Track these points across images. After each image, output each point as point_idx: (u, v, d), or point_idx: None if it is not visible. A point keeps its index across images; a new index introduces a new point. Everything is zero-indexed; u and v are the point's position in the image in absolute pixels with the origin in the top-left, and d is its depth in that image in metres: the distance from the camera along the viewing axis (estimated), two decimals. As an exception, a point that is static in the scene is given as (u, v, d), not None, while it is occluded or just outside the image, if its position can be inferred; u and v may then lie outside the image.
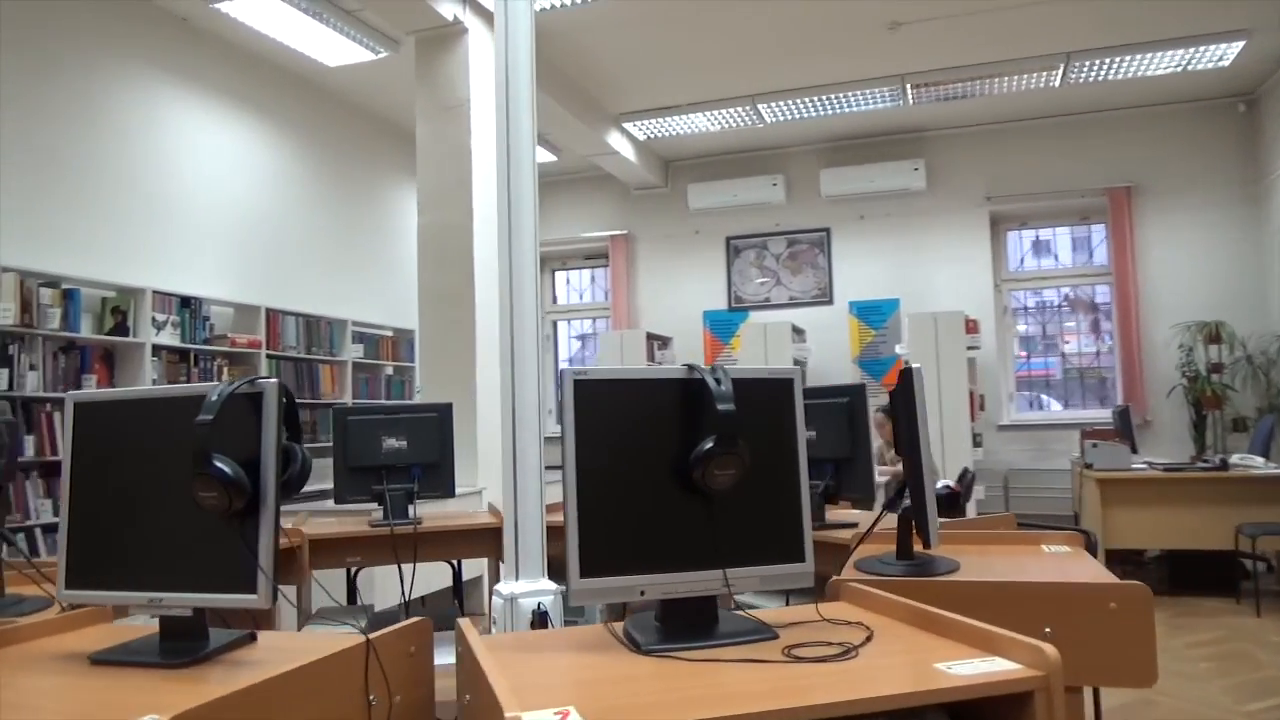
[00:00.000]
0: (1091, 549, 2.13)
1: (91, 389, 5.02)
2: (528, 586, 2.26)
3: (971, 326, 7.80)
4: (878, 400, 7.82)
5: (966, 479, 5.77)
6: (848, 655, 1.23)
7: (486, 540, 3.13)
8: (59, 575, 1.41)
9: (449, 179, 5.83)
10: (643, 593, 1.35)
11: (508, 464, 2.25)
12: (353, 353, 7.11)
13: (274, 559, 1.31)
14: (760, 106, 7.95)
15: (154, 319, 5.42)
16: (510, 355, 2.31)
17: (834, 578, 1.62)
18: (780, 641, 1.32)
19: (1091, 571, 1.81)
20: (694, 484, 1.36)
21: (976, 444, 7.70)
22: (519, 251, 2.34)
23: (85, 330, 5.13)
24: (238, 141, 6.44)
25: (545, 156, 9.04)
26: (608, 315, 9.89)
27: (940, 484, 5.74)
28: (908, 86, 7.56)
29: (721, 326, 9.37)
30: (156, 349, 5.45)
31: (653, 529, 1.36)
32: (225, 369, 5.98)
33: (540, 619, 2.20)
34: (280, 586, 1.34)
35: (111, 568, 1.40)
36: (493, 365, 5.82)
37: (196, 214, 6.04)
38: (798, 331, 8.72)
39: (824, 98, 7.80)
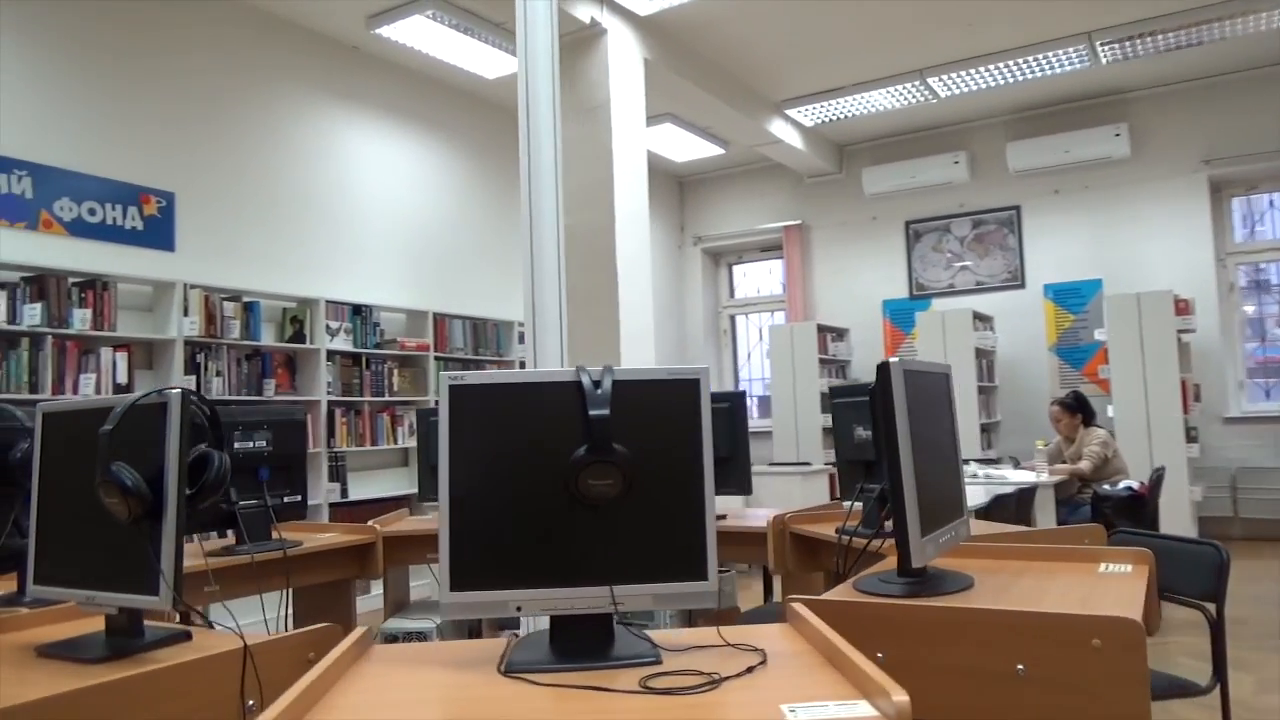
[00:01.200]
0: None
1: (270, 393, 5.52)
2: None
3: (1183, 307, 6.94)
4: (1067, 390, 7.14)
5: (1154, 478, 5.14)
6: (702, 689, 1.11)
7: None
8: (28, 572, 1.53)
9: (591, 180, 5.90)
10: (519, 609, 1.28)
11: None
12: (519, 353, 7.38)
13: (177, 562, 1.36)
14: (931, 80, 7.46)
15: (328, 326, 5.88)
16: (533, 344, 2.29)
17: (789, 596, 1.47)
18: (662, 667, 1.21)
19: (1120, 599, 1.54)
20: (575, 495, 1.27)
21: (1191, 439, 6.84)
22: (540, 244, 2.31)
23: (268, 339, 5.65)
24: (406, 155, 6.85)
25: (712, 150, 8.96)
26: (786, 308, 9.67)
27: (1123, 485, 5.17)
28: (1097, 45, 6.83)
29: (902, 316, 8.90)
30: (330, 354, 5.90)
31: (533, 542, 1.29)
32: (395, 372, 6.38)
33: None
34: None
35: (65, 567, 1.51)
36: (637, 362, 5.84)
37: (368, 226, 6.48)
38: (982, 319, 8.12)
39: (1003, 65, 7.20)
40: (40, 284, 4.50)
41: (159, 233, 5.24)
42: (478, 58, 6.55)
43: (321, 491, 5.69)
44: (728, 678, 1.15)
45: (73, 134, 4.87)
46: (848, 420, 2.55)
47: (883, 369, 1.61)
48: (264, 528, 2.60)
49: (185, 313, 5.04)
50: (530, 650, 1.28)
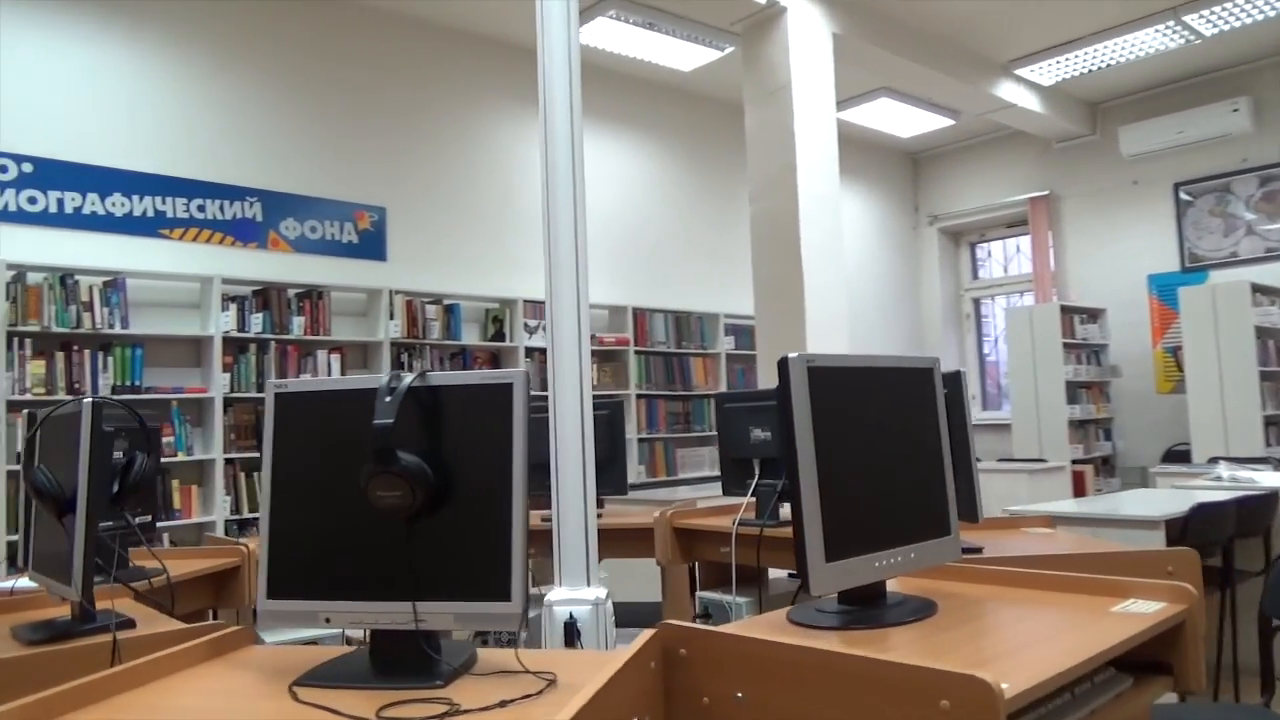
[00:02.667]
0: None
1: (470, 388, 5.89)
2: (568, 594, 2.19)
3: None
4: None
5: None
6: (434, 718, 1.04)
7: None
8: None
9: (776, 165, 5.72)
10: (328, 620, 1.27)
11: (554, 459, 2.20)
12: (725, 344, 7.32)
13: (87, 556, 1.49)
14: (1189, 19, 6.43)
15: (525, 324, 6.18)
16: (552, 337, 2.26)
17: (667, 620, 1.34)
18: (441, 691, 1.15)
19: (1100, 643, 1.23)
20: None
21: None
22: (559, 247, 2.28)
23: (471, 338, 6.04)
24: (604, 154, 7.02)
25: (941, 121, 8.34)
26: (1034, 288, 8.78)
27: None
28: None
29: (1172, 292, 7.77)
30: (529, 351, 6.20)
31: (341, 554, 1.27)
32: (595, 366, 6.58)
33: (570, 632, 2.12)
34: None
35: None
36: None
37: (568, 228, 6.72)
38: (1267, 292, 6.88)
39: (1281, -10, 6.06)
40: (265, 296, 5.13)
41: (372, 244, 5.77)
42: (668, 51, 6.56)
43: (522, 482, 5.99)
44: (469, 710, 1.06)
45: (296, 162, 5.50)
46: (739, 422, 2.68)
47: (782, 364, 1.42)
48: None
49: (390, 316, 5.52)
50: (346, 664, 1.27)
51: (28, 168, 4.60)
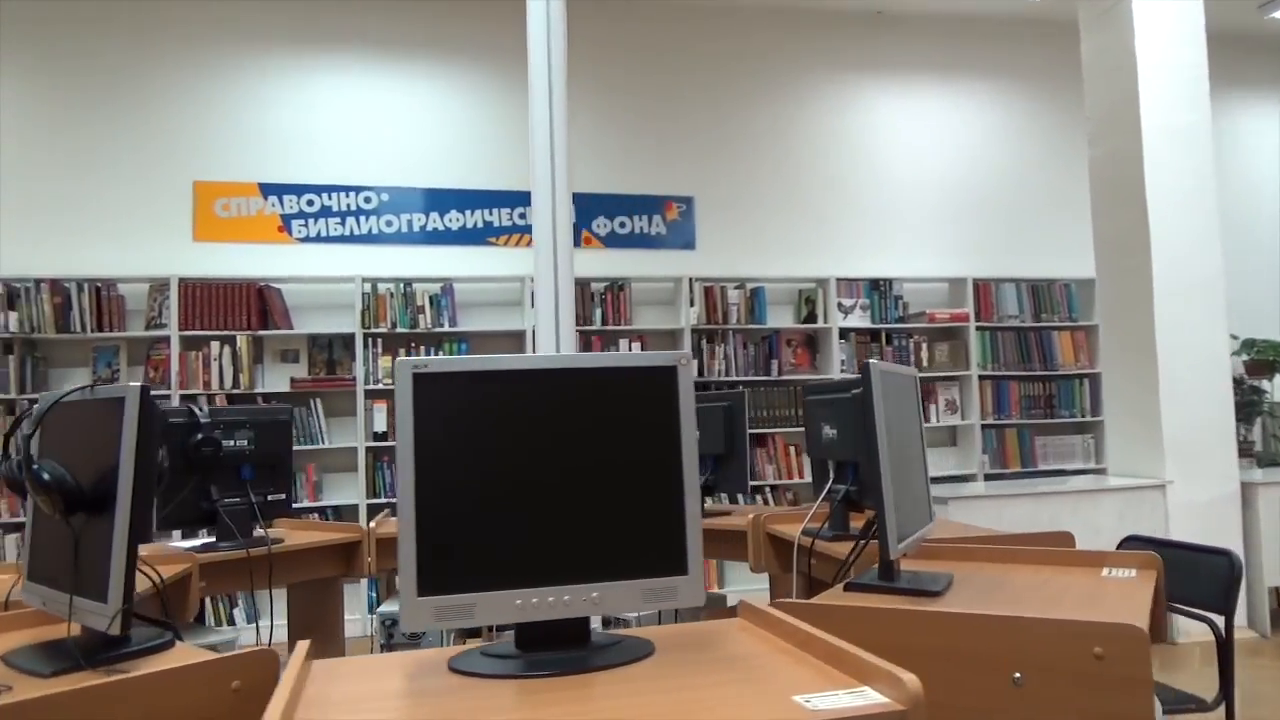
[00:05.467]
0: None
1: (774, 373, 5.79)
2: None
3: None
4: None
5: None
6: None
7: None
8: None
9: (1114, 98, 4.75)
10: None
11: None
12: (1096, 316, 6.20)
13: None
14: None
15: (840, 304, 5.89)
16: (556, 315, 2.23)
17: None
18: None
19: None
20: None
21: None
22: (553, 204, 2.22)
23: (782, 321, 5.93)
24: (935, 114, 6.36)
25: None
26: None
27: None
28: None
29: None
30: (844, 332, 5.90)
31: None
32: (924, 346, 6.03)
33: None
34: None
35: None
36: (1180, 323, 4.53)
37: (892, 197, 6.23)
38: None
39: None
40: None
41: (680, 234, 5.95)
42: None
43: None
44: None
45: (606, 163, 5.88)
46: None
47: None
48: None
49: (691, 303, 5.65)
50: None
51: (385, 197, 5.57)
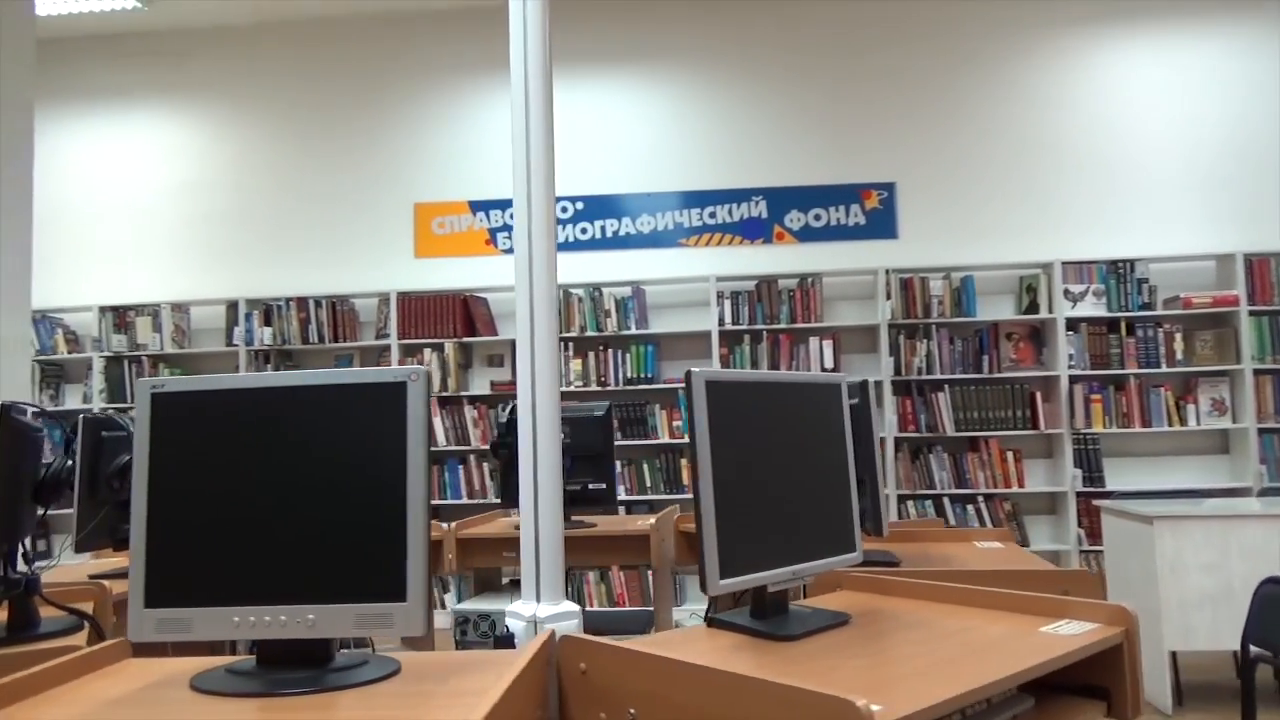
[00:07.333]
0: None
1: (985, 370, 5.22)
2: (550, 610, 2.10)
3: None
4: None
5: None
6: None
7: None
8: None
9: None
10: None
11: (527, 468, 2.15)
12: None
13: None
14: None
15: (1066, 292, 5.20)
16: (531, 328, 2.20)
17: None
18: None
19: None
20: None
21: None
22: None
23: (998, 312, 5.35)
24: (1193, 60, 5.37)
25: None
26: None
27: None
28: None
29: None
30: (1072, 323, 5.19)
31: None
32: (1178, 336, 5.13)
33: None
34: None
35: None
36: None
37: (1131, 164, 5.37)
38: None
39: None
40: (762, 288, 5.42)
41: (881, 223, 5.57)
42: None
43: (1066, 478, 5.08)
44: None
45: (798, 156, 5.65)
46: None
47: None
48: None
49: (888, 296, 5.27)
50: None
51: (580, 206, 5.77)
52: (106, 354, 5.73)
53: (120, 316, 5.76)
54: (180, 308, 5.81)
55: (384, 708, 1.09)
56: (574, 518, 3.01)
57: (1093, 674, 1.34)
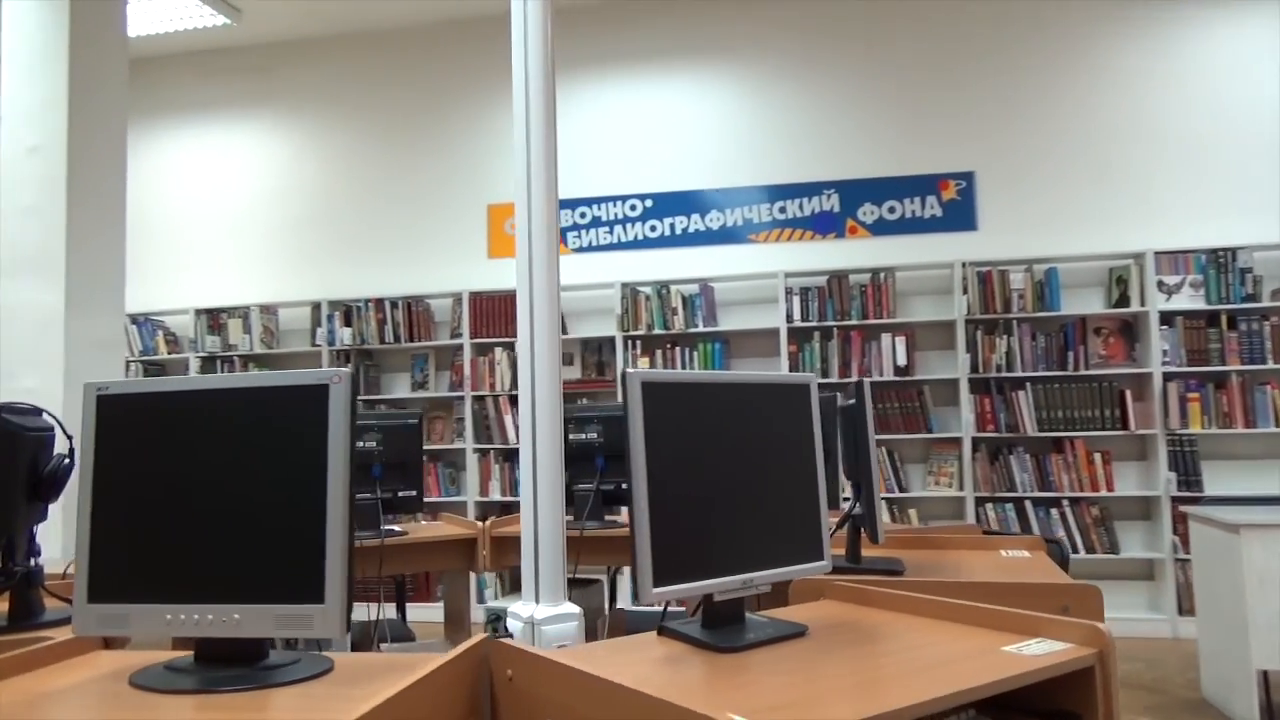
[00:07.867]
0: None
1: (1070, 367, 4.95)
2: (549, 611, 2.10)
3: None
4: None
5: None
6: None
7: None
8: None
9: None
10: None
11: (527, 468, 2.15)
12: None
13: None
14: None
15: (1160, 283, 4.88)
16: (531, 328, 2.19)
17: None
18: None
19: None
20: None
21: None
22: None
23: (1085, 306, 5.07)
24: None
25: None
26: None
27: None
28: None
29: None
30: (1167, 316, 4.87)
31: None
32: (1287, 329, 4.75)
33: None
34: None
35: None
36: None
37: (1232, 146, 4.99)
38: None
39: None
40: (834, 283, 5.28)
41: (959, 215, 5.35)
42: None
43: (1160, 482, 4.77)
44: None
45: (871, 147, 5.48)
46: None
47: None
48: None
49: (964, 290, 5.06)
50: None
51: (649, 203, 5.75)
52: (202, 354, 6.03)
53: (214, 319, 6.05)
54: (269, 309, 6.06)
55: (290, 709, 1.10)
56: (607, 517, 3.00)
57: (1067, 697, 1.25)
